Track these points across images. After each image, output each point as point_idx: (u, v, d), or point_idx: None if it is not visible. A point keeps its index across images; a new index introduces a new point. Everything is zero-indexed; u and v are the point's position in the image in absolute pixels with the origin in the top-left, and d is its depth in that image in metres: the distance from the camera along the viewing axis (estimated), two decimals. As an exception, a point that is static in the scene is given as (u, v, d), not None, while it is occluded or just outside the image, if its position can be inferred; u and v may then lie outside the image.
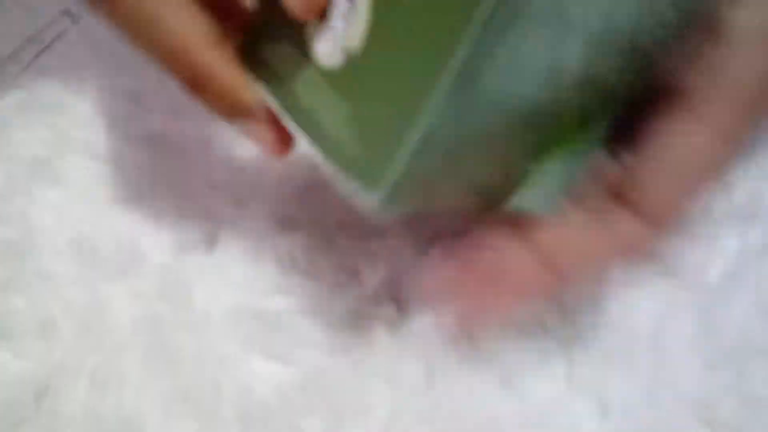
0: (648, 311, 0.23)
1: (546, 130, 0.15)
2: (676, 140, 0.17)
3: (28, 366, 0.23)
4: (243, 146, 0.29)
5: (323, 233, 0.26)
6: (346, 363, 0.23)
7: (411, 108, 0.14)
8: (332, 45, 0.16)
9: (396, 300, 0.24)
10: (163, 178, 0.28)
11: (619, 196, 0.18)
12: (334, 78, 0.16)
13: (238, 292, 0.24)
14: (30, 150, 0.28)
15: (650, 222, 0.18)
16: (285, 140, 0.21)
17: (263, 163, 0.28)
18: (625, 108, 0.17)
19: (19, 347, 0.24)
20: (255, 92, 0.19)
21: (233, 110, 0.20)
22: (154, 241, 0.25)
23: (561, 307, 0.23)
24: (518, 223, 0.18)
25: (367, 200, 0.16)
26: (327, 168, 0.17)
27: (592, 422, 0.22)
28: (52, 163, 0.28)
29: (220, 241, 0.26)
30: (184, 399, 0.23)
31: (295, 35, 0.17)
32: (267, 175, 0.28)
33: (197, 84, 0.20)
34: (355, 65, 0.16)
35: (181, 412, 0.22)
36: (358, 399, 0.22)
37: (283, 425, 0.22)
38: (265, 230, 0.26)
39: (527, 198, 0.17)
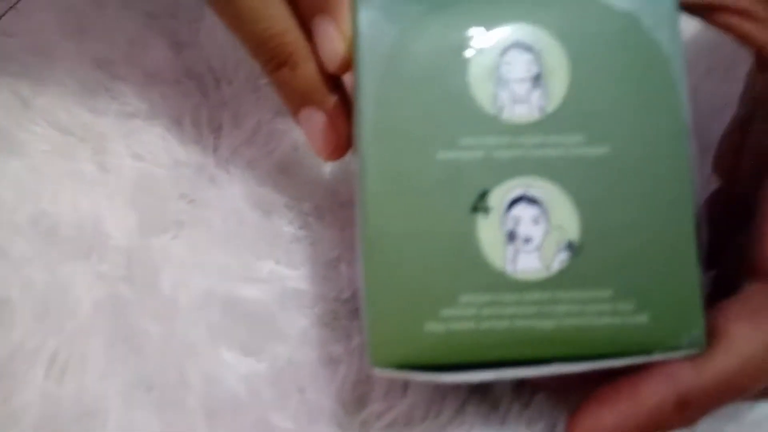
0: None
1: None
2: None
3: (-18, 348, 0.23)
4: (217, 123, 0.28)
5: (299, 219, 0.26)
6: (321, 358, 0.23)
7: (679, 254, 0.17)
8: (538, 258, 0.17)
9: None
10: (130, 151, 0.28)
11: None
12: (548, 282, 0.17)
13: (207, 278, 0.24)
14: (-11, 117, 0.27)
15: None
16: (342, 144, 0.22)
17: (238, 141, 0.28)
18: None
19: (-27, 328, 0.23)
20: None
21: (307, 97, 0.22)
22: (118, 220, 0.25)
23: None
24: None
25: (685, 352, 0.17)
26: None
27: None
28: (13, 132, 0.27)
29: (191, 223, 0.25)
30: (147, 388, 0.23)
31: None
32: (242, 155, 0.27)
33: (282, 65, 0.22)
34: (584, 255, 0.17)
35: (144, 402, 0.22)
36: (332, 396, 0.22)
37: (251, 419, 0.22)
38: (240, 213, 0.26)
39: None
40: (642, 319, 0.17)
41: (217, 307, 0.24)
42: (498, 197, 0.17)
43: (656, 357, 0.17)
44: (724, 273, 0.20)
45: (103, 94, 0.29)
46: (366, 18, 0.18)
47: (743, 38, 0.19)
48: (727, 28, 0.19)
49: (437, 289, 0.17)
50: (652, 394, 0.17)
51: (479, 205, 0.17)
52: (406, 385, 0.23)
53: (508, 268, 0.17)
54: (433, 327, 0.17)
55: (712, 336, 0.17)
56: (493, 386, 0.23)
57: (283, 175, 0.27)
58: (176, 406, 0.22)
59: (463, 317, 0.17)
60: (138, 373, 0.23)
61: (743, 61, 0.22)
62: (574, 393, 0.19)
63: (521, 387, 0.23)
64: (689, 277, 0.17)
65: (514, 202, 0.17)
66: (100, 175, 0.27)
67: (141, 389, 0.23)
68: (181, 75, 0.30)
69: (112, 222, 0.25)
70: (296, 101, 0.22)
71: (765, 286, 0.18)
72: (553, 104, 0.17)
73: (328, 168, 0.27)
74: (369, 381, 0.23)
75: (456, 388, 0.23)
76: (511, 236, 0.17)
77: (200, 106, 0.29)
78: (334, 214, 0.26)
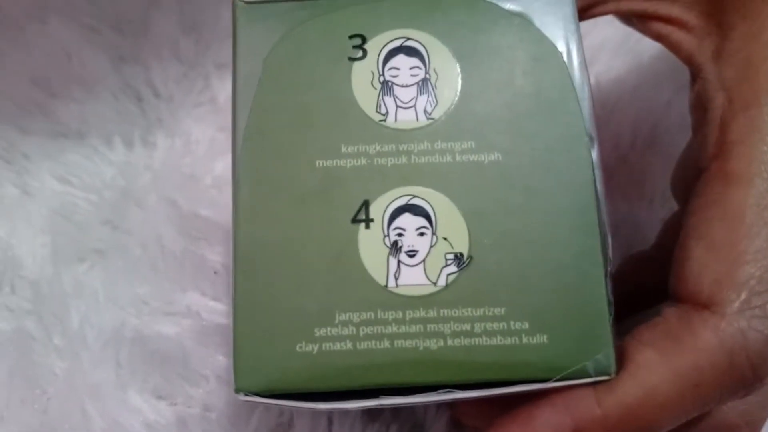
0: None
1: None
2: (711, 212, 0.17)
3: None
4: (152, 141, 0.27)
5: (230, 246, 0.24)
6: (238, 403, 0.21)
7: (583, 270, 0.16)
8: (424, 272, 0.17)
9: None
10: (55, 173, 0.27)
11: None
12: (434, 298, 0.16)
13: (121, 312, 0.23)
14: None
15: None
16: None
17: (172, 162, 0.26)
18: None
19: None
20: None
21: None
22: (34, 248, 0.25)
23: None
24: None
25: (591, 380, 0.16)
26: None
27: None
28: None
29: (111, 251, 0.24)
30: (49, 432, 0.21)
31: None
32: (174, 176, 0.26)
33: None
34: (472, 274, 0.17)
35: (42, 449, 0.21)
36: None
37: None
38: (164, 240, 0.24)
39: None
40: (540, 340, 0.16)
41: (128, 345, 0.23)
42: (380, 207, 0.17)
43: (556, 383, 0.16)
44: None
45: (35, 112, 0.29)
46: (245, 22, 0.18)
47: (674, 48, 0.19)
48: (659, 38, 0.19)
49: (313, 306, 0.17)
50: (545, 425, 0.16)
51: (360, 215, 0.17)
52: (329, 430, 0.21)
53: (390, 283, 0.17)
54: (306, 348, 0.16)
55: (622, 362, 0.16)
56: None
57: (219, 197, 0.26)
58: (75, 454, 0.21)
59: (340, 337, 0.16)
60: (40, 416, 0.22)
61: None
62: None
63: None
64: (594, 294, 0.16)
65: (398, 212, 0.17)
66: (21, 198, 0.26)
67: (42, 434, 0.21)
68: (119, 90, 0.29)
69: (27, 250, 0.24)
70: None
71: (680, 310, 0.17)
72: (441, 110, 0.18)
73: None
74: (290, 425, 0.21)
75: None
76: (394, 249, 0.17)
77: (135, 124, 0.28)
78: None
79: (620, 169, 0.28)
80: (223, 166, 0.28)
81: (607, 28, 0.30)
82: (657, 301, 0.20)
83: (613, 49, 0.29)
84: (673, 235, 0.20)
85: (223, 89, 0.30)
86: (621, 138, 0.28)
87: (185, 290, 0.25)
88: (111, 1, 0.32)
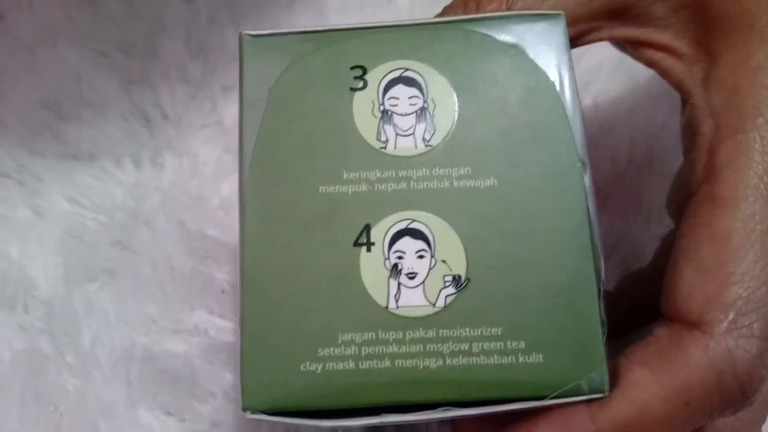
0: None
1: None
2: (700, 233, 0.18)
3: None
4: (160, 162, 0.27)
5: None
6: (245, 419, 0.22)
7: (576, 291, 0.17)
8: (423, 293, 0.17)
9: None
10: (66, 194, 0.28)
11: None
12: (433, 319, 0.17)
13: (131, 331, 0.24)
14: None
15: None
16: None
17: (180, 182, 0.27)
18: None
19: None
20: None
21: None
22: (46, 269, 0.26)
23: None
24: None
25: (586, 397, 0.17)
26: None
27: None
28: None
29: (120, 271, 0.25)
30: (61, 450, 0.22)
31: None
32: (183, 196, 0.27)
33: None
34: (468, 295, 0.17)
35: (54, 465, 0.21)
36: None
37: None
38: (172, 260, 0.25)
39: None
40: (535, 359, 0.17)
41: (138, 363, 0.23)
42: (381, 231, 0.18)
43: (552, 401, 0.17)
44: None
45: (46, 135, 0.30)
46: (251, 54, 0.19)
47: (665, 74, 0.19)
48: (650, 64, 0.20)
49: (317, 327, 0.17)
50: None
51: (362, 239, 0.17)
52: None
53: (391, 305, 0.17)
54: (311, 368, 0.17)
55: (615, 381, 0.17)
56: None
57: (226, 218, 0.26)
58: (87, 470, 0.21)
59: (342, 357, 0.17)
60: (52, 434, 0.22)
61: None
62: None
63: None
64: (588, 314, 0.17)
65: (398, 235, 0.18)
66: (33, 220, 0.27)
67: (54, 451, 0.22)
68: (128, 112, 0.29)
69: (39, 271, 0.25)
70: None
71: (671, 329, 0.18)
72: (439, 137, 0.18)
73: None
74: (296, 443, 0.22)
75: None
76: (395, 271, 0.17)
77: (144, 145, 0.29)
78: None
79: (617, 187, 0.29)
80: (229, 187, 0.28)
81: (604, 49, 0.30)
82: (655, 317, 0.21)
83: (610, 70, 0.30)
84: (669, 254, 0.21)
85: (229, 111, 0.31)
86: (618, 157, 0.29)
87: (193, 309, 0.26)
88: (119, 26, 0.33)
